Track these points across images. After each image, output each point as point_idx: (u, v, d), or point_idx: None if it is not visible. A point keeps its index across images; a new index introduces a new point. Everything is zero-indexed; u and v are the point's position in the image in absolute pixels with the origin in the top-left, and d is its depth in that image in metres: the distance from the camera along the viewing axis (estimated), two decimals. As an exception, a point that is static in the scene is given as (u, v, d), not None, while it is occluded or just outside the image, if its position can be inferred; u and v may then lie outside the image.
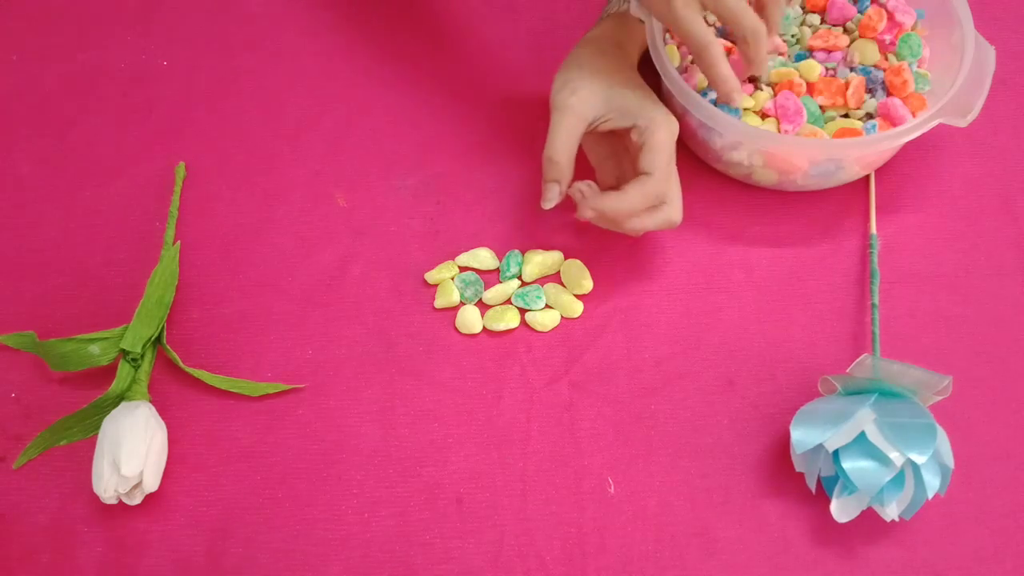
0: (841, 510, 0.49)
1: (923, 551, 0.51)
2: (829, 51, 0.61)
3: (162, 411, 0.55)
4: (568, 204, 0.56)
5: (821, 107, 0.59)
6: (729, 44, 0.61)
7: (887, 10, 0.60)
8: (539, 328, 0.58)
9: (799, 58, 0.61)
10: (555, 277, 0.60)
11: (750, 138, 0.56)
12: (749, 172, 0.60)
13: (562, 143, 0.54)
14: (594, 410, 0.55)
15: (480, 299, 0.59)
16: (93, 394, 0.54)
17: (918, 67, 0.60)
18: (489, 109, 0.66)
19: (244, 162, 0.65)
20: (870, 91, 0.60)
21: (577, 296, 0.59)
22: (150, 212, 0.62)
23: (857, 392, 0.51)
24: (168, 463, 0.54)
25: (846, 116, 0.59)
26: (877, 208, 0.61)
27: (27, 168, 0.65)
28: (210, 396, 0.56)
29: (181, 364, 0.56)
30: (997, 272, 0.59)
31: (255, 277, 0.60)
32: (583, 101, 0.54)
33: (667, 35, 0.62)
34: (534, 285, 0.59)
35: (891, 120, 0.58)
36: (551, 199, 0.56)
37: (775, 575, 0.51)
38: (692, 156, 0.62)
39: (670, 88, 0.57)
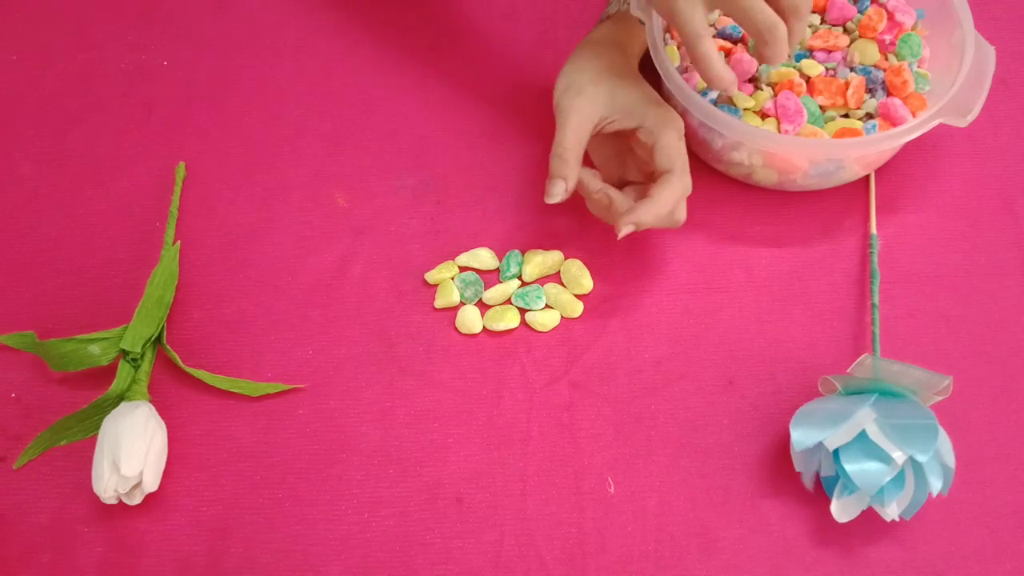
0: (841, 510, 0.49)
1: (923, 551, 0.51)
2: (829, 51, 0.61)
3: (162, 411, 0.55)
4: (568, 205, 0.56)
5: (821, 107, 0.59)
6: (729, 45, 0.61)
7: (887, 10, 0.60)
8: (539, 328, 0.58)
9: (799, 58, 0.61)
10: (555, 277, 0.60)
11: (750, 138, 0.56)
12: (749, 172, 0.60)
13: (570, 141, 0.54)
14: (594, 410, 0.55)
15: (480, 299, 0.59)
16: (93, 394, 0.54)
17: (918, 67, 0.60)
18: (489, 109, 0.66)
19: (244, 162, 0.65)
20: (870, 91, 0.60)
21: (577, 296, 0.59)
22: (150, 212, 0.62)
23: (857, 392, 0.51)
24: (168, 463, 0.54)
25: (846, 116, 0.59)
26: (877, 208, 0.61)
27: (27, 168, 0.65)
28: (210, 396, 0.56)
29: (181, 364, 0.56)
30: (997, 272, 0.59)
31: (255, 277, 0.60)
32: (589, 102, 0.54)
33: (667, 35, 0.62)
34: (534, 285, 0.59)
35: (891, 120, 0.58)
36: (556, 195, 0.55)
37: (775, 575, 0.51)
38: (692, 156, 0.62)
39: (670, 88, 0.57)
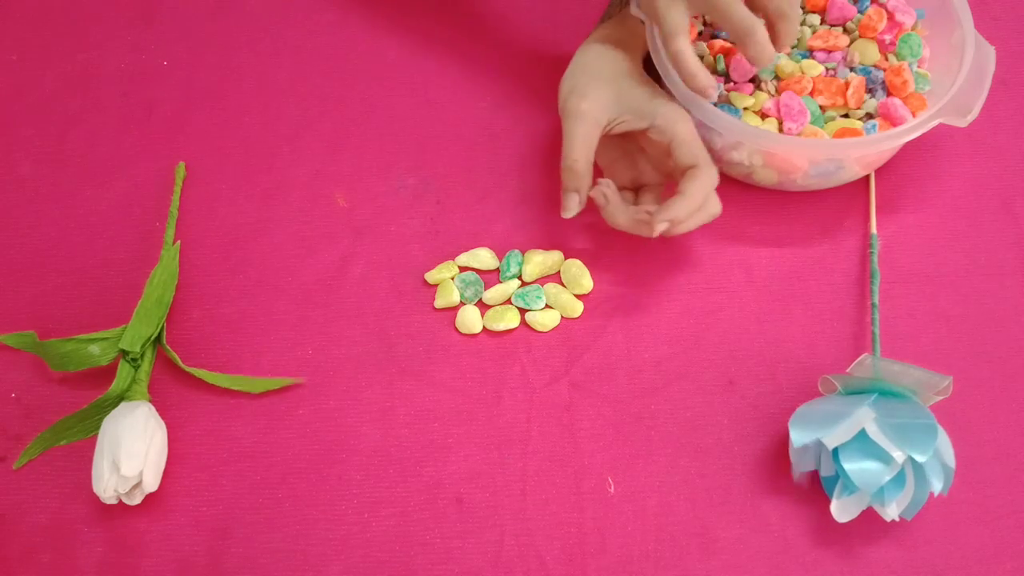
0: (841, 510, 0.49)
1: (923, 551, 0.51)
2: (829, 51, 0.61)
3: (162, 411, 0.55)
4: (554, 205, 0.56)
5: (821, 107, 0.59)
6: (729, 44, 0.61)
7: (887, 10, 0.60)
8: (539, 328, 0.58)
9: (799, 58, 0.61)
10: (555, 277, 0.60)
11: (750, 138, 0.56)
12: (749, 172, 0.60)
13: (579, 150, 0.54)
14: (594, 410, 0.55)
15: (480, 299, 0.59)
16: (93, 394, 0.54)
17: (918, 67, 0.60)
18: (489, 109, 0.66)
19: (244, 162, 0.65)
20: (870, 91, 0.60)
21: (577, 296, 0.59)
22: (150, 212, 0.62)
23: (857, 392, 0.51)
24: (168, 463, 0.54)
25: (846, 116, 0.59)
26: (877, 208, 0.61)
27: (27, 168, 0.65)
28: (210, 396, 0.56)
29: (181, 364, 0.56)
30: (997, 272, 0.59)
31: (255, 277, 0.60)
32: (595, 105, 0.54)
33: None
34: (534, 285, 0.59)
35: (891, 120, 0.58)
36: (572, 208, 0.55)
37: (775, 575, 0.51)
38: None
39: (670, 88, 0.57)
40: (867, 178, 0.62)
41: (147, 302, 0.57)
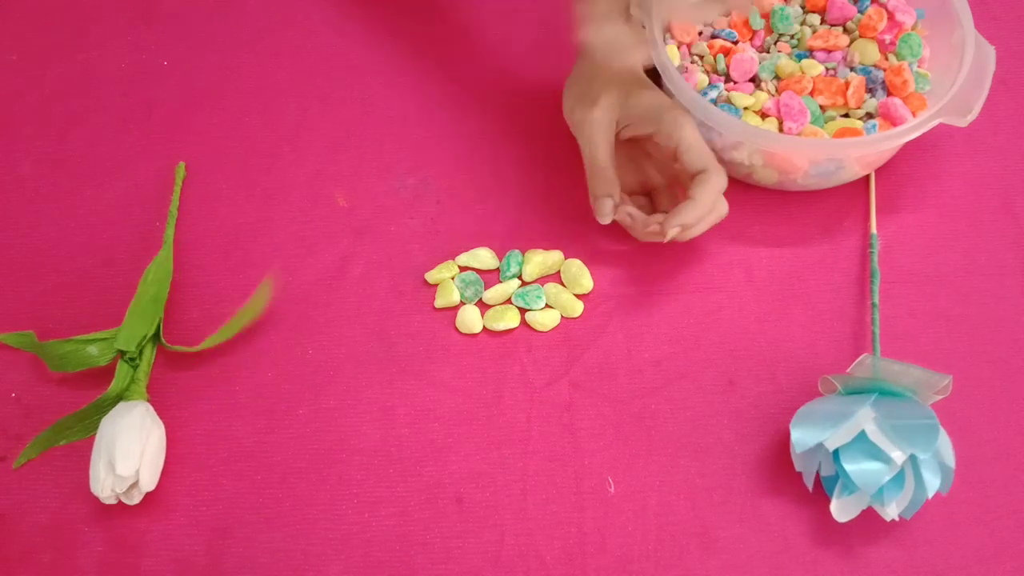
0: (841, 510, 0.49)
1: (923, 551, 0.51)
2: (829, 51, 0.61)
3: (161, 411, 0.55)
4: (568, 204, 0.56)
5: (821, 107, 0.59)
6: (729, 44, 0.61)
7: (887, 10, 0.60)
8: (539, 328, 0.58)
9: (799, 58, 0.61)
10: (555, 277, 0.60)
11: (750, 138, 0.56)
12: (749, 172, 0.60)
13: (603, 156, 0.55)
14: (594, 410, 0.55)
15: (480, 299, 0.59)
16: (93, 394, 0.54)
17: (918, 67, 0.60)
18: (489, 109, 0.66)
19: (244, 162, 0.65)
20: (870, 91, 0.60)
21: (577, 296, 0.59)
22: (150, 212, 0.62)
23: (857, 392, 0.51)
24: (168, 463, 0.54)
25: (846, 116, 0.59)
26: (877, 208, 0.61)
27: (27, 168, 0.65)
28: (210, 396, 0.56)
29: (187, 349, 0.56)
30: (997, 272, 0.59)
31: (255, 277, 0.60)
32: (605, 111, 0.55)
33: (667, 35, 0.62)
34: (534, 285, 0.59)
35: (891, 120, 0.58)
36: (607, 214, 0.56)
37: (775, 575, 0.51)
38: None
39: (670, 88, 0.57)
40: (867, 178, 0.62)
41: (141, 301, 0.56)
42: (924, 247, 0.60)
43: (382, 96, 0.67)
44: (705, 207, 0.53)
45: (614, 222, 0.56)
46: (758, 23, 0.62)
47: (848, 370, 0.50)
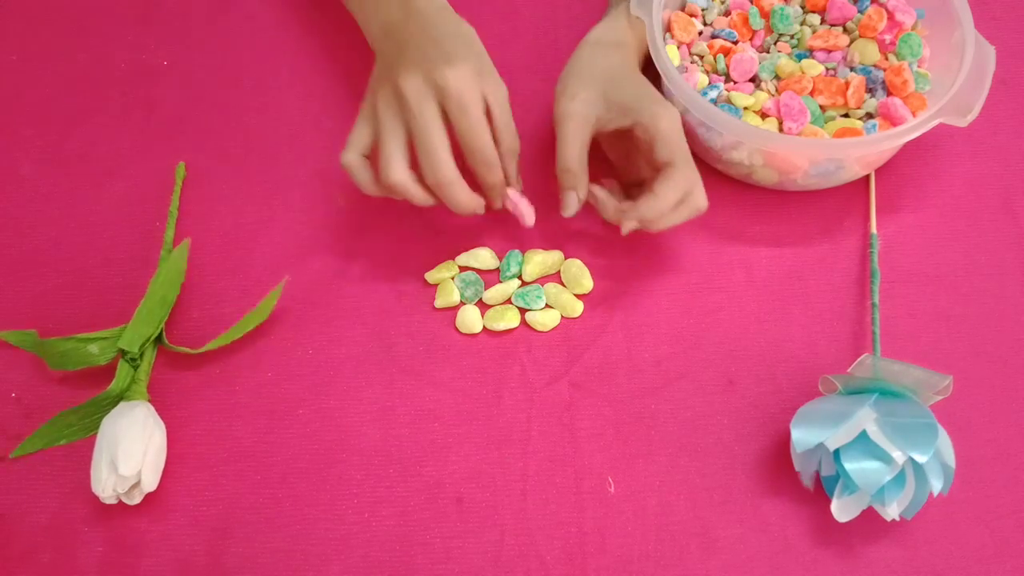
0: (841, 510, 0.49)
1: (923, 551, 0.51)
2: (829, 51, 0.61)
3: (162, 411, 0.55)
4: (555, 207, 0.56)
5: (821, 107, 0.59)
6: (729, 44, 0.61)
7: (887, 10, 0.60)
8: (539, 328, 0.58)
9: (799, 58, 0.61)
10: (555, 277, 0.60)
11: (750, 138, 0.56)
12: (749, 172, 0.60)
13: (572, 151, 0.54)
14: (594, 410, 0.55)
15: (480, 299, 0.59)
16: (93, 394, 0.54)
17: (918, 67, 0.60)
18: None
19: (244, 162, 0.65)
20: (870, 91, 0.60)
21: (577, 296, 0.59)
22: (150, 212, 0.62)
23: (857, 392, 0.51)
24: (168, 463, 0.54)
25: (846, 116, 0.59)
26: (877, 208, 0.61)
27: (27, 168, 0.65)
28: (210, 396, 0.56)
29: (189, 351, 0.56)
30: (997, 272, 0.59)
31: (255, 277, 0.60)
32: (584, 105, 0.54)
33: (667, 35, 0.62)
34: (534, 285, 0.59)
35: (891, 120, 0.58)
36: (572, 206, 0.56)
37: (775, 574, 0.51)
38: (692, 156, 0.62)
39: (670, 87, 0.57)
40: (867, 178, 0.62)
41: (150, 302, 0.56)
42: (924, 247, 0.60)
43: (382, 96, 0.67)
44: (665, 202, 0.53)
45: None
46: (758, 23, 0.62)
47: (848, 370, 0.50)
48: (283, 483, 0.54)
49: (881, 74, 0.59)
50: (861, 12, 0.61)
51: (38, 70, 0.69)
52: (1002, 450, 0.54)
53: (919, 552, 0.51)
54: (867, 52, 0.60)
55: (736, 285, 0.59)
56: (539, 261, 0.59)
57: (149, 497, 0.52)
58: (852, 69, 0.60)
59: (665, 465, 0.54)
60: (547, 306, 0.59)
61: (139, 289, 0.57)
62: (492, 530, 0.52)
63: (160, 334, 0.57)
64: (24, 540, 0.52)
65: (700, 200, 0.54)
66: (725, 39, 0.61)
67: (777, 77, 0.60)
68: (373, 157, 0.54)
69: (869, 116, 0.59)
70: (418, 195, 0.53)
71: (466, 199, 0.53)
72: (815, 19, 0.62)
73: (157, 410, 0.54)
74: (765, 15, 0.62)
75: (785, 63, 0.60)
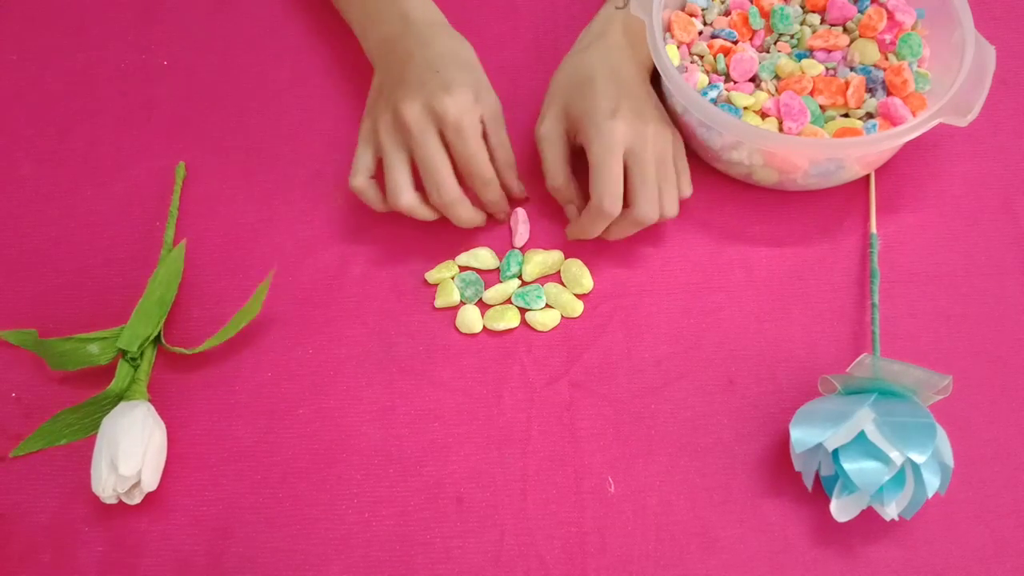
0: (841, 510, 0.49)
1: (923, 551, 0.51)
2: (829, 51, 0.61)
3: (162, 410, 0.55)
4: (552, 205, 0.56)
5: (821, 107, 0.59)
6: (729, 44, 0.61)
7: (887, 10, 0.60)
8: (539, 328, 0.58)
9: (799, 58, 0.61)
10: (555, 277, 0.60)
11: (750, 138, 0.55)
12: (749, 172, 0.60)
13: (553, 169, 0.58)
14: (594, 410, 0.55)
15: (480, 299, 0.59)
16: (93, 394, 0.54)
17: (918, 67, 0.60)
18: (489, 109, 0.66)
19: (244, 162, 0.65)
20: (870, 91, 0.60)
21: (577, 296, 0.59)
22: (150, 212, 0.62)
23: (857, 392, 0.51)
24: (168, 463, 0.54)
25: (846, 116, 0.59)
26: (877, 208, 0.61)
27: (27, 168, 0.65)
28: (210, 396, 0.56)
29: (186, 351, 0.56)
30: (997, 272, 0.59)
31: (255, 277, 0.60)
32: (551, 123, 0.58)
33: (667, 34, 0.62)
34: (534, 285, 0.59)
35: (891, 120, 0.58)
36: (573, 218, 0.60)
37: (775, 574, 0.51)
38: (692, 156, 0.62)
39: (670, 87, 0.57)
40: (867, 178, 0.62)
41: (147, 302, 0.56)
42: (924, 247, 0.60)
43: (382, 96, 0.67)
44: (582, 230, 0.57)
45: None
46: (758, 23, 0.62)
47: (848, 370, 0.50)
48: (283, 483, 0.54)
49: (881, 74, 0.59)
50: (861, 12, 0.61)
51: (38, 70, 0.69)
52: (1001, 450, 0.54)
53: (919, 552, 0.51)
54: (867, 52, 0.60)
55: (736, 285, 0.59)
56: (539, 261, 0.59)
57: (149, 497, 0.52)
58: (852, 69, 0.60)
59: (665, 465, 0.54)
60: (547, 306, 0.59)
61: (139, 289, 0.57)
62: (492, 530, 0.52)
63: (159, 334, 0.57)
64: (24, 540, 0.53)
65: (640, 213, 0.54)
66: (725, 39, 0.61)
67: (777, 77, 0.60)
68: (378, 176, 0.57)
69: (869, 116, 0.59)
70: (425, 214, 0.57)
71: (469, 215, 0.57)
72: (815, 19, 0.62)
73: (157, 410, 0.54)
74: (765, 15, 0.62)
75: (785, 63, 0.60)
